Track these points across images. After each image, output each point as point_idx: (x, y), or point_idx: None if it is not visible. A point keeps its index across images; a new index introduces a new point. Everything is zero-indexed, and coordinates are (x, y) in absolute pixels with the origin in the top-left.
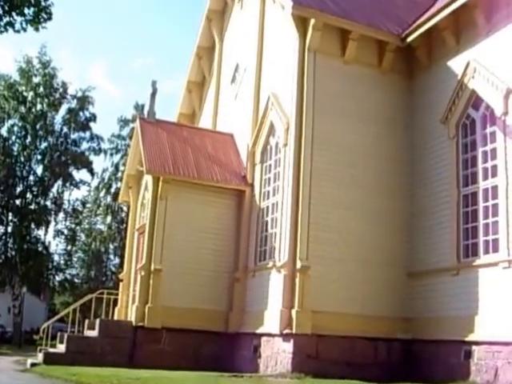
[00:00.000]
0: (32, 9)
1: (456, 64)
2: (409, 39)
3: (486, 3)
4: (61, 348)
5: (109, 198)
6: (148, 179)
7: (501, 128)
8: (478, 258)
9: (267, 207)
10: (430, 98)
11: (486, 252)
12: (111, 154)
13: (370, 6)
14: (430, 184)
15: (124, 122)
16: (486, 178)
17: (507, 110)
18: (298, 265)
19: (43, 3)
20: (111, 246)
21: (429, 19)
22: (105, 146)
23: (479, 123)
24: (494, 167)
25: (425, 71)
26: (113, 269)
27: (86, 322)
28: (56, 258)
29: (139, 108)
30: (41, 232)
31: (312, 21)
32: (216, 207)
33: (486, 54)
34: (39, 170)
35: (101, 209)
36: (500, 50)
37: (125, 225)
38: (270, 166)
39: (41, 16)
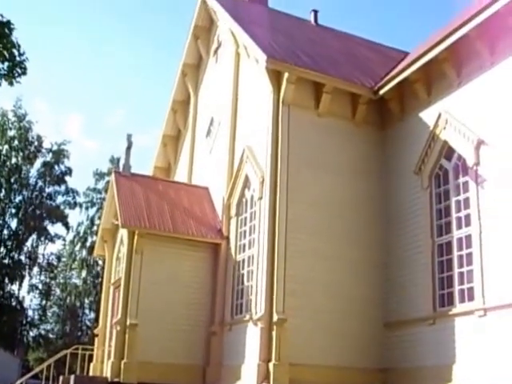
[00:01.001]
0: (6, 63)
1: (428, 115)
2: (381, 92)
3: (455, 57)
4: None
5: (84, 252)
6: (123, 233)
7: (473, 178)
8: (454, 307)
9: (243, 260)
10: (403, 149)
11: (462, 301)
12: (86, 208)
13: (343, 59)
14: (404, 234)
15: (99, 176)
16: (459, 227)
17: (479, 160)
18: (275, 318)
19: (18, 58)
20: (86, 301)
21: (400, 72)
22: (80, 199)
23: (452, 173)
24: (468, 216)
25: (398, 123)
26: (88, 323)
27: (61, 378)
28: (30, 313)
29: (115, 161)
30: (15, 287)
31: (286, 74)
32: (192, 261)
33: (457, 106)
34: (13, 223)
35: (76, 263)
36: (470, 102)
37: (100, 279)
38: (246, 218)
39: (15, 71)
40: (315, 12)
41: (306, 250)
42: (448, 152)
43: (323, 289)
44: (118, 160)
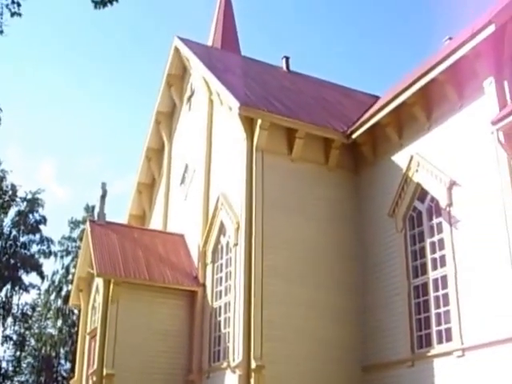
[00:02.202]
0: None
1: (400, 158)
2: (354, 136)
3: (425, 100)
4: None
5: (59, 302)
6: (99, 282)
7: (446, 219)
8: (432, 348)
9: (220, 307)
10: (377, 193)
11: (440, 342)
12: (61, 257)
13: (315, 104)
14: (381, 277)
15: (74, 224)
16: (435, 268)
17: (451, 201)
18: (253, 364)
19: None
20: (62, 351)
21: (372, 116)
22: (55, 248)
23: (425, 215)
24: (443, 257)
25: (370, 166)
26: (64, 374)
27: None
28: (4, 364)
29: (90, 209)
30: None
31: (259, 121)
32: (168, 308)
33: (428, 148)
34: None
35: (51, 312)
36: (441, 144)
37: (76, 328)
38: (222, 265)
39: None
40: (287, 58)
41: (283, 295)
42: (421, 194)
43: (301, 334)
44: (93, 208)
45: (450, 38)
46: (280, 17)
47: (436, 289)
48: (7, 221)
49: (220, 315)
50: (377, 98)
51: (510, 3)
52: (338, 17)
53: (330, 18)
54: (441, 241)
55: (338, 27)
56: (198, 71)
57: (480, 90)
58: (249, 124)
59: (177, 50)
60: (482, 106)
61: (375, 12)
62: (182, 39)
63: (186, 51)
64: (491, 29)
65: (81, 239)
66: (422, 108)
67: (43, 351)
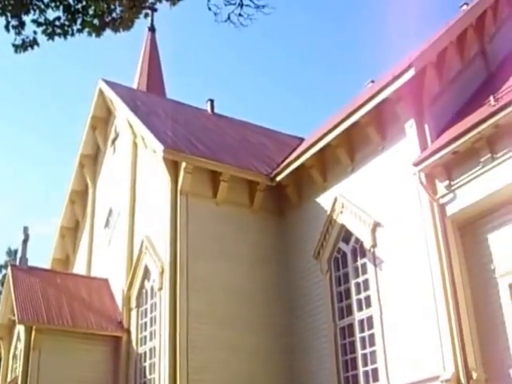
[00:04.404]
0: None
1: (325, 200)
2: (278, 178)
3: (348, 142)
4: None
5: None
6: (20, 329)
7: (371, 260)
8: None
9: (145, 352)
10: (302, 235)
11: (367, 382)
12: None
13: (239, 147)
14: (307, 318)
15: None
16: (360, 309)
17: (376, 242)
18: None
19: None
20: None
21: (296, 158)
22: None
23: (350, 256)
24: (368, 298)
25: (295, 208)
26: None
27: None
28: None
29: (12, 254)
30: None
31: (183, 164)
32: (92, 355)
33: (352, 190)
34: None
35: None
36: (365, 186)
37: None
38: (146, 310)
39: None
40: (211, 101)
41: (209, 339)
42: (346, 235)
43: (228, 379)
44: (16, 252)
45: (373, 81)
46: (206, 60)
47: (362, 330)
48: None
49: (145, 361)
50: (301, 139)
51: (429, 48)
52: (264, 61)
53: (256, 62)
54: (366, 282)
55: (263, 70)
56: (122, 114)
57: (402, 133)
58: (173, 167)
59: (101, 92)
60: (403, 148)
61: (299, 55)
62: (106, 82)
63: (110, 93)
64: (411, 73)
65: (2, 284)
66: (346, 150)
67: None
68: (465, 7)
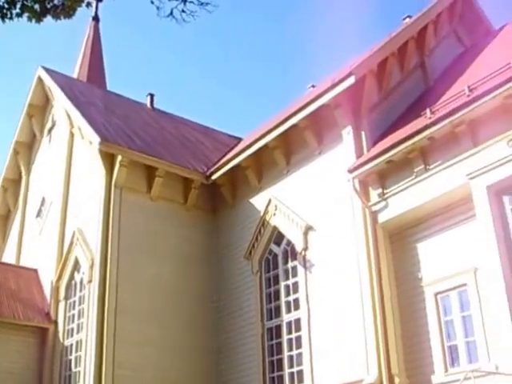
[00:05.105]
0: None
1: (259, 201)
2: (213, 177)
3: (285, 145)
4: None
5: None
6: None
7: (301, 263)
8: None
9: (71, 345)
10: (235, 235)
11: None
12: None
13: (176, 143)
14: (235, 318)
15: None
16: (289, 311)
17: (307, 245)
18: None
19: None
20: None
21: (232, 158)
22: None
23: (281, 258)
24: (296, 300)
25: (229, 208)
26: None
27: None
28: None
29: None
30: None
31: (119, 157)
32: (18, 346)
33: (286, 193)
34: None
35: None
36: (299, 189)
37: None
38: (75, 302)
39: None
40: (151, 96)
41: (136, 335)
42: (278, 237)
43: (154, 376)
44: None
45: (313, 86)
46: (149, 55)
47: (289, 331)
48: None
49: (71, 354)
50: (239, 139)
51: (369, 57)
52: (208, 60)
53: (200, 60)
54: (295, 284)
55: (206, 68)
56: (61, 103)
57: (338, 139)
58: (109, 160)
59: (40, 80)
60: (339, 154)
61: (243, 55)
62: (46, 69)
63: (49, 81)
64: (351, 80)
65: None
66: (283, 152)
67: None
68: (407, 20)
